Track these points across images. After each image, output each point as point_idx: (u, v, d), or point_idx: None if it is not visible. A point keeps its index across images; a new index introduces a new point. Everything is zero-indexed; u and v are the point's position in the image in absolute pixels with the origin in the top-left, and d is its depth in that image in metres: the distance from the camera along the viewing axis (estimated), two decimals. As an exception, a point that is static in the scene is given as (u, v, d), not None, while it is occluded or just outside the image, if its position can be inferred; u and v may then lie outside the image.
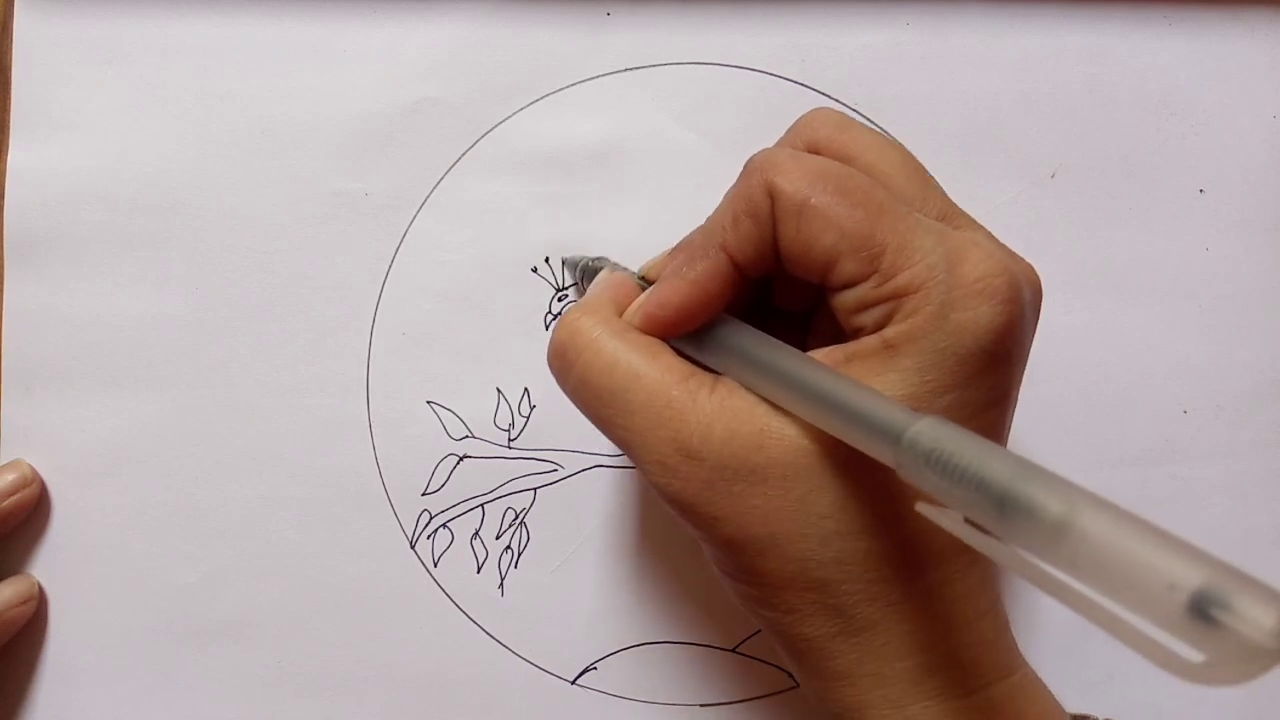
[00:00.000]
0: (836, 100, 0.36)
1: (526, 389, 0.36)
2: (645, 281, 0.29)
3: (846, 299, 0.25)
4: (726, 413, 0.25)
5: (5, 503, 0.35)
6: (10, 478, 0.35)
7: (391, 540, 0.36)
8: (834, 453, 0.24)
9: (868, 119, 0.36)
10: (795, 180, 0.25)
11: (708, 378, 0.26)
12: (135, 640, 0.36)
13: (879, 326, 0.24)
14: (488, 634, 0.36)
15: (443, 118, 0.36)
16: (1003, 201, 0.36)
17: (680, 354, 0.27)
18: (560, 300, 0.36)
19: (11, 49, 0.36)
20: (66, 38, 0.36)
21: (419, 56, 0.36)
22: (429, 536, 0.36)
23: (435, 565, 0.36)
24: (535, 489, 0.36)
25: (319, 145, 0.36)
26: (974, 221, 0.27)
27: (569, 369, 0.27)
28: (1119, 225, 0.36)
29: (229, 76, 0.36)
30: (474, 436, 0.36)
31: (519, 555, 0.36)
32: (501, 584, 0.36)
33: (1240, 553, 0.35)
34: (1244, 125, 0.36)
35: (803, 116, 0.28)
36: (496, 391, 0.36)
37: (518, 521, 0.36)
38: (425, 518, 0.36)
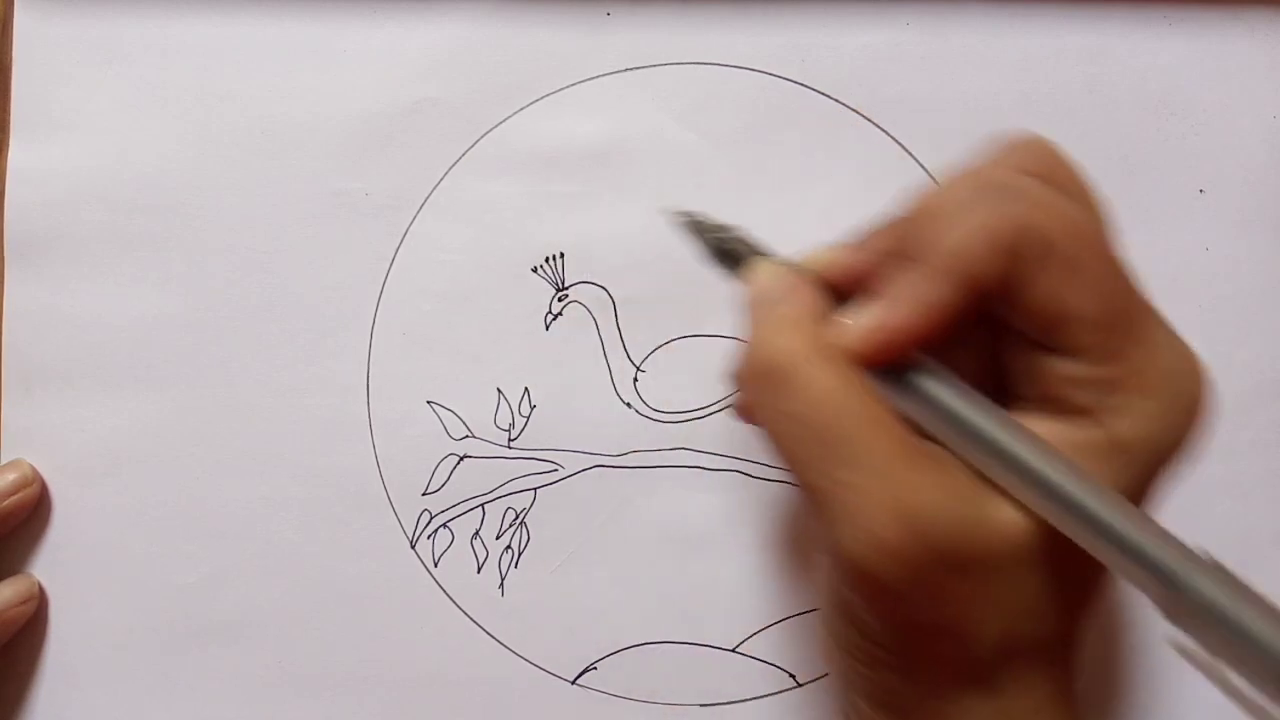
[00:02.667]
0: (837, 100, 0.36)
1: (526, 389, 0.36)
2: (820, 284, 0.26)
3: (1069, 368, 0.23)
4: (953, 494, 0.22)
5: (5, 503, 0.35)
6: (10, 478, 0.35)
7: (391, 540, 0.36)
8: (1049, 546, 0.22)
9: (868, 119, 0.36)
10: (1070, 230, 0.23)
11: (926, 445, 0.23)
12: (135, 640, 0.36)
13: (1091, 408, 0.23)
14: (488, 634, 0.36)
15: (443, 118, 0.36)
16: (1003, 201, 0.36)
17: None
18: (560, 300, 0.36)
19: (11, 49, 0.36)
20: (66, 38, 0.36)
21: (419, 56, 0.36)
22: (429, 536, 0.36)
23: (435, 565, 0.36)
24: (535, 489, 0.36)
25: (319, 145, 0.36)
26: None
27: (775, 397, 0.23)
28: (1118, 225, 0.36)
29: (229, 76, 0.36)
30: (474, 436, 0.36)
31: (519, 555, 0.36)
32: (501, 584, 0.36)
33: (1240, 553, 0.35)
34: (1244, 125, 0.36)
35: (1025, 140, 0.25)
36: (496, 391, 0.36)
37: (518, 521, 0.36)
38: (425, 518, 0.36)
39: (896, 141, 0.36)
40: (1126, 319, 0.23)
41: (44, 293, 0.36)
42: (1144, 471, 0.23)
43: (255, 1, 0.36)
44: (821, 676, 0.36)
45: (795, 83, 0.36)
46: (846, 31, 0.36)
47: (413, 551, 0.36)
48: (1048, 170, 0.25)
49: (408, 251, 0.36)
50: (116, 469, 0.36)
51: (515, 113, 0.36)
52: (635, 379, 0.36)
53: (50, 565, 0.36)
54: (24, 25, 0.36)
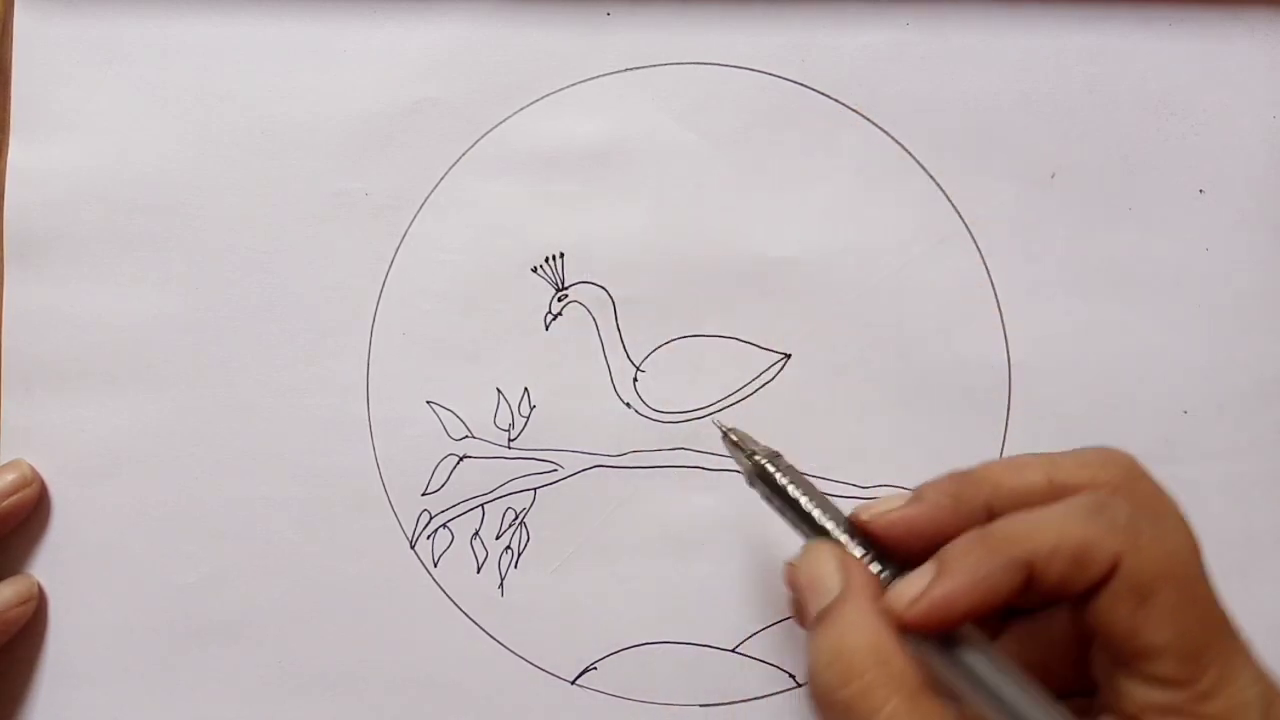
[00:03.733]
0: (837, 100, 0.36)
1: (526, 389, 0.36)
2: (870, 546, 0.26)
3: (1149, 696, 0.23)
4: None
5: (5, 503, 0.35)
6: (10, 478, 0.35)
7: (391, 540, 0.36)
8: None
9: (868, 119, 0.36)
10: (1150, 564, 0.23)
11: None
12: (135, 640, 0.36)
13: None
14: (488, 634, 0.36)
15: (443, 118, 0.36)
16: (1003, 201, 0.36)
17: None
18: (560, 300, 0.36)
19: (11, 49, 0.36)
20: (66, 38, 0.36)
21: (419, 56, 0.36)
22: (429, 536, 0.36)
23: (435, 565, 0.36)
24: (535, 489, 0.36)
25: (319, 145, 0.36)
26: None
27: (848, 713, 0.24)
28: (1119, 225, 0.36)
29: (229, 76, 0.36)
30: (474, 436, 0.36)
31: (519, 555, 0.36)
32: (501, 584, 0.36)
33: (1240, 553, 0.35)
34: (1244, 125, 0.36)
35: (1111, 454, 0.26)
36: (496, 391, 0.36)
37: (518, 521, 0.36)
38: (425, 518, 0.36)
39: (896, 141, 0.36)
40: (1205, 652, 0.23)
41: (44, 293, 0.36)
42: None
43: (255, 1, 0.36)
44: (821, 676, 0.36)
45: (795, 83, 0.36)
46: (846, 31, 0.36)
47: (412, 552, 0.36)
48: (1131, 489, 0.25)
49: (408, 251, 0.36)
50: (116, 469, 0.36)
51: (515, 113, 0.36)
52: (635, 379, 0.36)
53: (50, 565, 0.36)
54: (24, 25, 0.36)
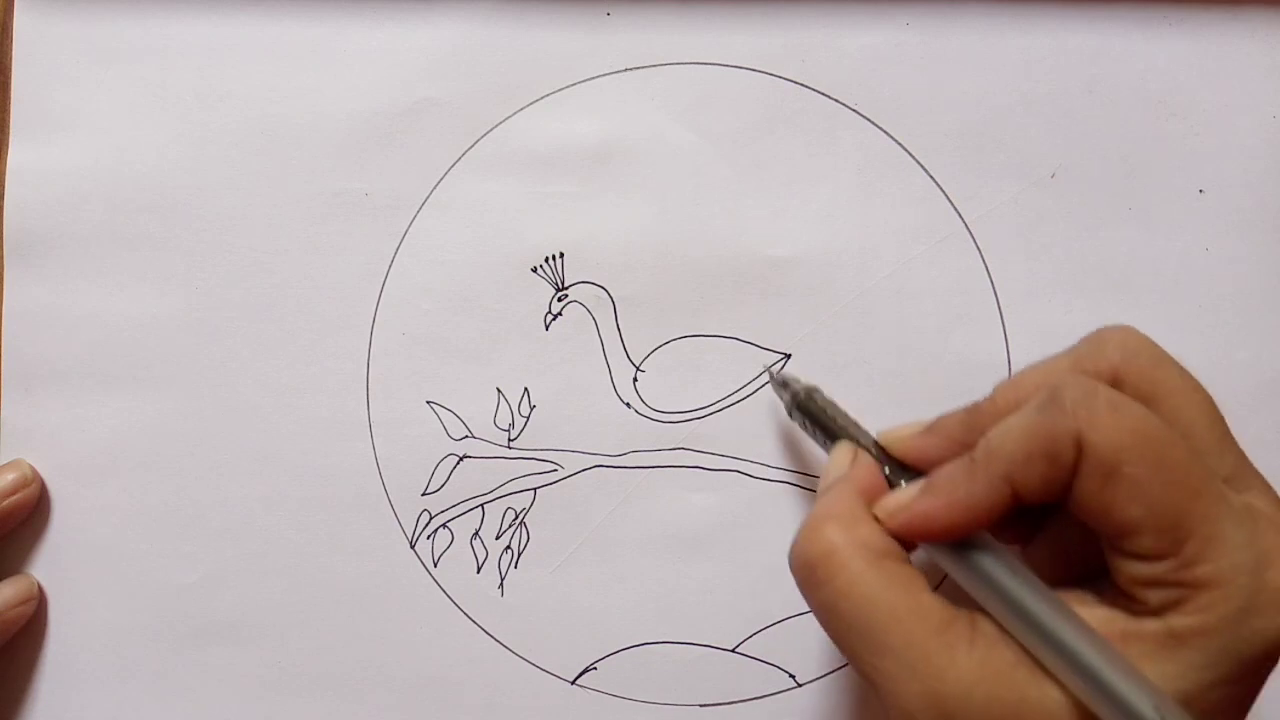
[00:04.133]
0: (836, 100, 0.36)
1: (526, 389, 0.36)
2: (889, 460, 0.28)
3: (1135, 570, 0.24)
4: (988, 676, 0.24)
5: (5, 503, 0.35)
6: (10, 477, 0.35)
7: (391, 540, 0.36)
8: None
9: (868, 119, 0.36)
10: (1112, 439, 0.23)
11: (966, 626, 0.25)
12: (135, 640, 0.36)
13: (1163, 607, 0.23)
14: (488, 634, 0.36)
15: (443, 118, 0.36)
16: (1003, 201, 0.36)
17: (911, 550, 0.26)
18: (560, 300, 0.36)
19: (11, 49, 0.36)
20: (66, 38, 0.36)
21: (419, 56, 0.36)
22: (429, 536, 0.36)
23: (435, 565, 0.36)
24: (535, 489, 0.36)
25: (319, 145, 0.36)
26: (1264, 483, 0.26)
27: (817, 587, 0.26)
28: (1119, 225, 0.36)
29: (229, 76, 0.36)
30: (474, 436, 0.36)
31: (519, 555, 0.36)
32: (501, 584, 0.36)
33: (1240, 553, 0.35)
34: (1244, 125, 0.36)
35: (1110, 331, 0.27)
36: (496, 391, 0.36)
37: (518, 521, 0.36)
38: (425, 518, 0.36)
39: (896, 141, 0.36)
40: (1183, 521, 0.23)
41: (44, 293, 0.36)
42: (1214, 661, 0.23)
43: (255, 1, 0.36)
44: (821, 676, 0.36)
45: (795, 83, 0.36)
46: (846, 31, 0.36)
47: (412, 552, 0.36)
48: (1122, 368, 0.26)
49: (408, 251, 0.36)
50: (116, 469, 0.36)
51: (515, 113, 0.36)
52: (635, 379, 0.36)
53: (50, 565, 0.36)
54: (24, 25, 0.36)
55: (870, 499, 0.27)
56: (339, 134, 0.36)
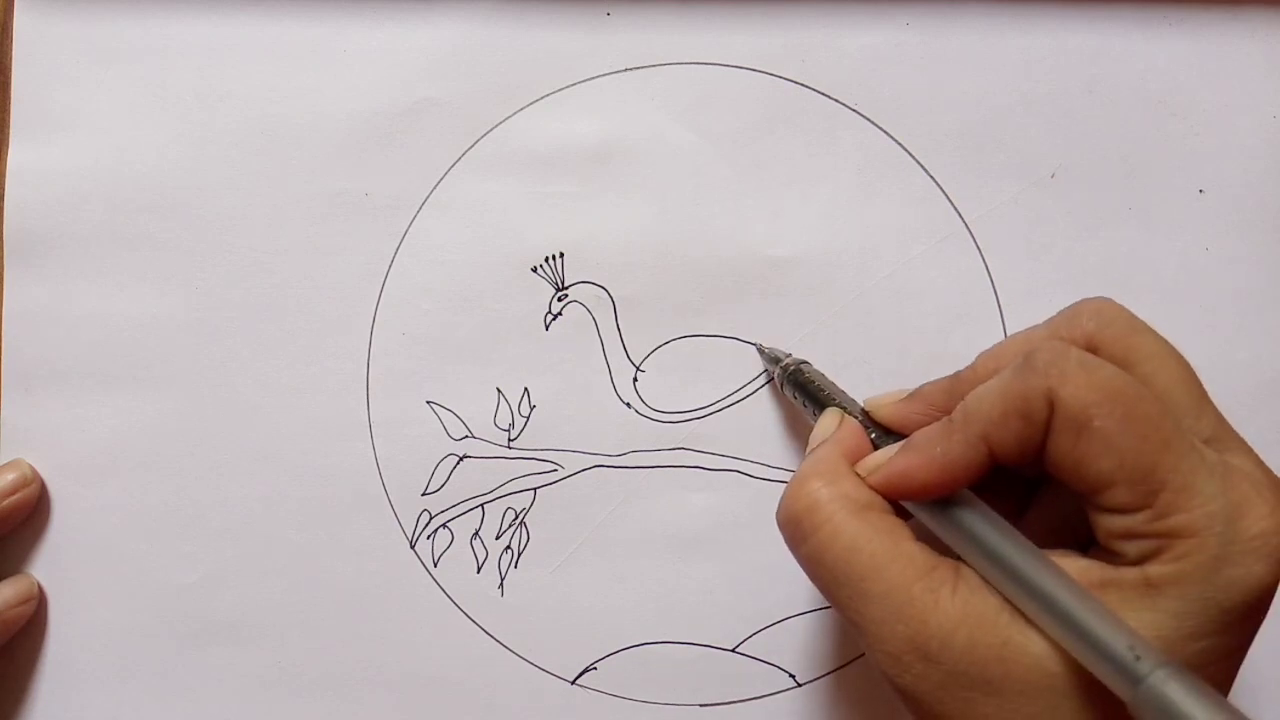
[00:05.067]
0: (836, 100, 0.36)
1: (526, 389, 0.36)
2: (874, 425, 0.29)
3: (1112, 523, 0.24)
4: (970, 619, 0.24)
5: (5, 503, 0.35)
6: (10, 477, 0.35)
7: (391, 540, 0.36)
8: (1074, 677, 0.23)
9: (868, 119, 0.36)
10: (1081, 395, 0.24)
11: (949, 572, 0.25)
12: (135, 640, 0.36)
13: (1141, 558, 0.24)
14: (488, 634, 0.36)
15: (443, 118, 0.36)
16: (1003, 201, 0.36)
17: (906, 513, 0.26)
18: (560, 300, 0.36)
19: (11, 49, 0.36)
20: (66, 38, 0.36)
21: (419, 56, 0.36)
22: (429, 536, 0.36)
23: (435, 565, 0.36)
24: (535, 489, 0.36)
25: (319, 145, 0.36)
26: (1245, 445, 0.26)
27: (802, 540, 0.26)
28: (1119, 225, 0.36)
29: (229, 76, 0.36)
30: (474, 436, 0.36)
31: (519, 555, 0.36)
32: (501, 584, 0.36)
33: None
34: (1244, 125, 0.36)
35: (1086, 302, 0.27)
36: (496, 391, 0.36)
37: (518, 521, 0.36)
38: (425, 518, 0.36)
39: (896, 141, 0.36)
40: (1154, 473, 0.23)
41: (44, 293, 0.36)
42: (1192, 610, 0.23)
43: (255, 1, 0.36)
44: (821, 676, 0.36)
45: (795, 83, 0.36)
46: (846, 31, 0.36)
47: (412, 552, 0.36)
48: (1097, 335, 0.26)
49: (408, 251, 0.36)
50: (116, 469, 0.36)
51: (515, 113, 0.36)
52: (635, 379, 0.36)
53: (50, 565, 0.36)
54: (24, 25, 0.36)
55: (854, 460, 0.28)
56: (339, 134, 0.36)
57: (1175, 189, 0.36)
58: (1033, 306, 0.36)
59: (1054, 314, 0.27)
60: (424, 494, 0.36)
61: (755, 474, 0.36)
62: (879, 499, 0.27)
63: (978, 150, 0.36)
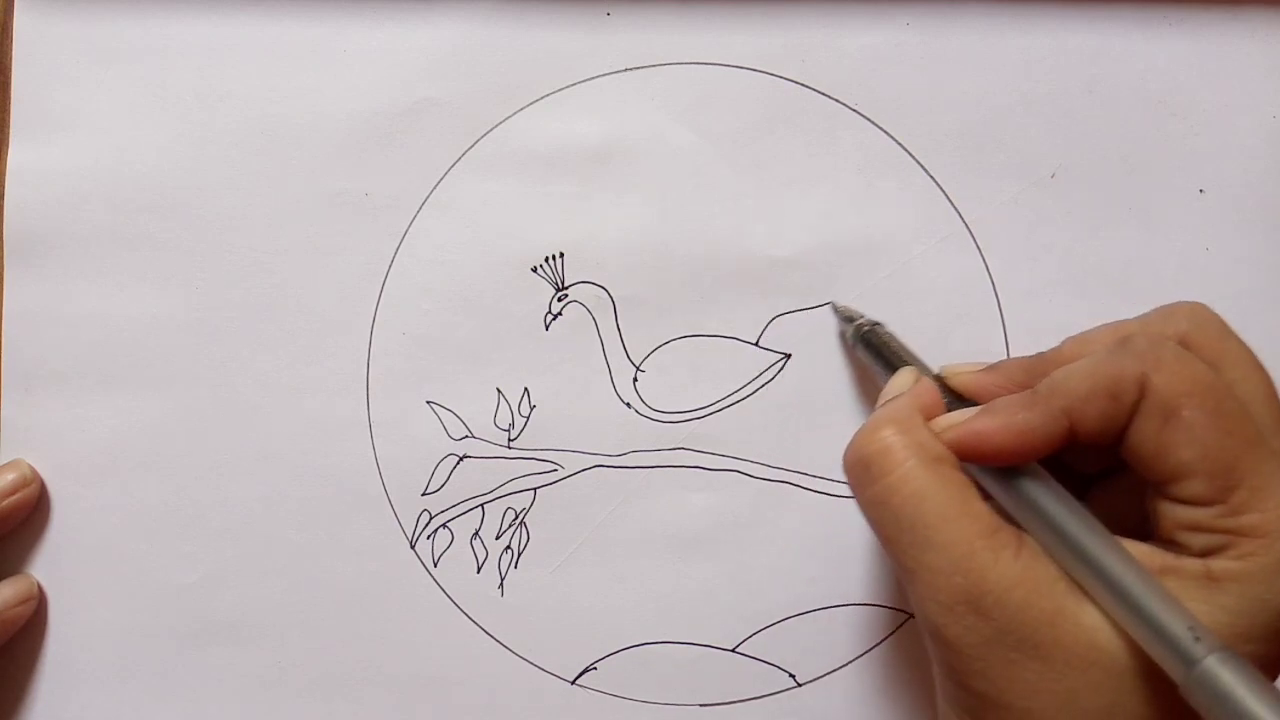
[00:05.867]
0: (836, 100, 0.36)
1: (526, 389, 0.36)
2: (947, 391, 0.29)
3: (1180, 514, 0.24)
4: (1028, 582, 0.24)
5: (5, 503, 0.35)
6: (10, 477, 0.35)
7: (391, 540, 0.36)
8: (1123, 654, 0.24)
9: (868, 119, 0.36)
10: (1174, 384, 0.24)
11: (1012, 535, 0.25)
12: (135, 640, 0.36)
13: (1205, 552, 0.24)
14: (488, 634, 0.36)
15: (443, 118, 0.36)
16: (1003, 201, 0.36)
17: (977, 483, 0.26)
18: (560, 300, 0.36)
19: (11, 49, 0.36)
20: (66, 38, 0.36)
21: (419, 56, 0.36)
22: (429, 536, 0.36)
23: (435, 565, 0.36)
24: (535, 489, 0.36)
25: (319, 145, 0.36)
26: None
27: (871, 483, 0.27)
28: (1119, 225, 0.36)
29: (229, 76, 0.36)
30: (474, 436, 0.36)
31: (519, 555, 0.36)
32: (501, 584, 0.36)
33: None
34: (1244, 125, 0.36)
35: (1182, 304, 0.27)
36: (496, 391, 0.36)
37: (518, 521, 0.36)
38: (425, 518, 0.36)
39: (896, 141, 0.36)
40: (1235, 469, 0.23)
41: (44, 293, 0.36)
42: (1249, 609, 0.23)
43: (256, 1, 0.36)
44: (821, 676, 0.36)
45: (795, 83, 0.36)
46: (846, 31, 0.36)
47: (412, 552, 0.36)
48: (1190, 336, 0.27)
49: (408, 251, 0.36)
50: (116, 469, 0.36)
51: (515, 113, 0.36)
52: (635, 379, 0.36)
53: (50, 565, 0.36)
54: (24, 25, 0.36)
55: (928, 418, 0.28)
56: (339, 134, 0.36)
57: (1175, 189, 0.36)
58: (1033, 306, 0.36)
59: (1145, 312, 0.28)
60: (424, 494, 0.36)
61: (755, 474, 0.36)
62: (951, 455, 0.27)
63: (978, 150, 0.36)
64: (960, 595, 0.24)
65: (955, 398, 0.29)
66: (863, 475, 0.27)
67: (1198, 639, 0.22)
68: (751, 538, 0.36)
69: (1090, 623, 0.24)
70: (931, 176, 0.36)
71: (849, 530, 0.36)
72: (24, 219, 0.36)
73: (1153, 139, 0.36)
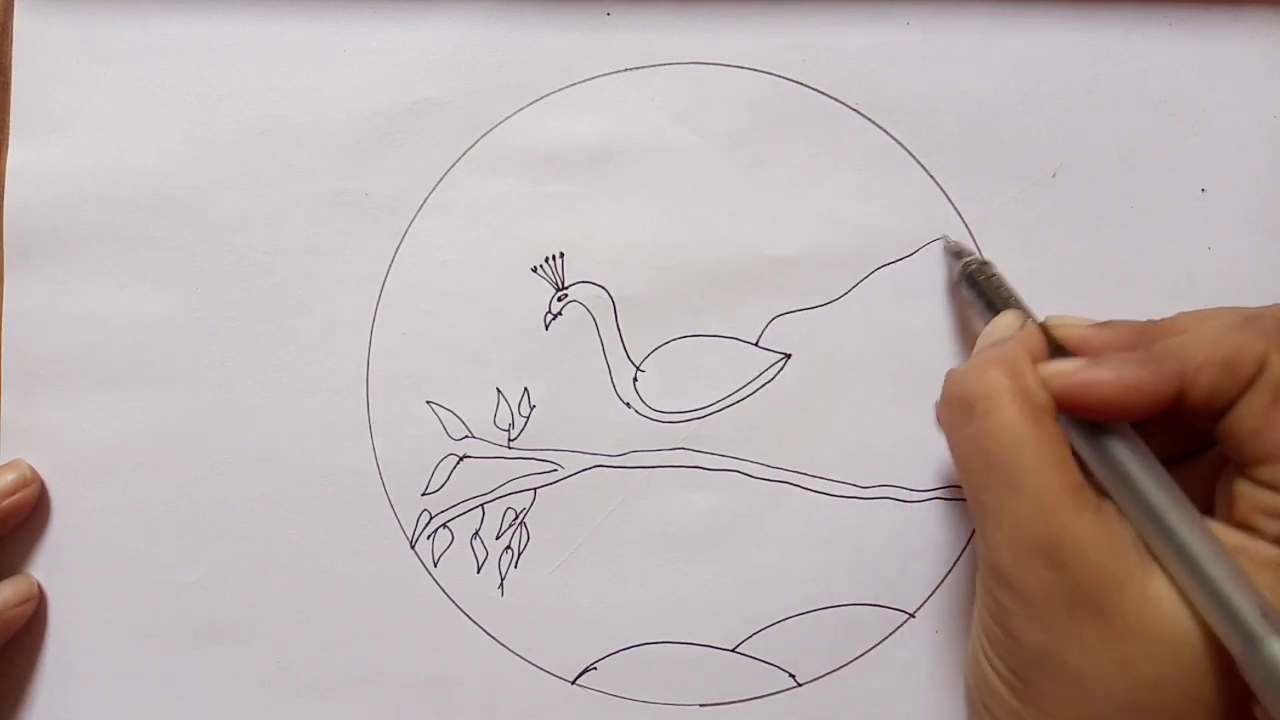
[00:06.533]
0: (837, 100, 0.36)
1: (526, 389, 0.36)
2: (1052, 342, 0.29)
3: (1261, 498, 0.24)
4: (1105, 544, 0.24)
5: (5, 503, 0.35)
6: (10, 478, 0.35)
7: (391, 540, 0.36)
8: (1186, 626, 0.24)
9: (868, 119, 0.36)
10: None
11: (1095, 497, 0.26)
12: (135, 640, 0.36)
13: (1273, 537, 0.24)
14: (488, 634, 0.36)
15: (443, 118, 0.36)
16: (1003, 201, 0.36)
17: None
18: (560, 300, 0.36)
19: (11, 49, 0.36)
20: (66, 38, 0.36)
21: (419, 56, 0.36)
22: (429, 536, 0.36)
23: (435, 565, 0.36)
24: (535, 489, 0.36)
25: (319, 145, 0.36)
26: None
27: (968, 421, 0.27)
28: (1120, 225, 0.36)
29: (229, 76, 0.36)
30: (474, 436, 0.36)
31: (519, 555, 0.36)
32: (501, 584, 0.36)
33: (1241, 553, 0.35)
34: (1245, 125, 0.36)
35: None
36: (496, 391, 0.36)
37: (518, 521, 0.36)
38: (425, 518, 0.36)
39: (897, 141, 0.36)
40: None
41: (44, 293, 0.36)
42: None
43: (256, 1, 0.36)
44: (821, 676, 0.36)
45: (795, 83, 0.36)
46: (846, 31, 0.36)
47: (412, 552, 0.36)
48: None
49: (408, 251, 0.36)
50: (116, 469, 0.36)
51: (515, 113, 0.36)
52: (635, 379, 0.36)
53: (50, 565, 0.36)
54: (24, 25, 0.36)
55: (1034, 362, 0.28)
56: (339, 134, 0.36)
57: (1176, 188, 0.36)
58: (1033, 306, 0.36)
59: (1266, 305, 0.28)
60: (424, 494, 0.36)
61: (755, 474, 0.36)
62: (1053, 407, 0.26)
63: (978, 150, 0.36)
64: (1040, 543, 0.25)
65: (1057, 348, 0.29)
66: (962, 413, 0.27)
67: (1264, 616, 0.22)
68: (751, 538, 0.36)
69: (1157, 593, 0.24)
70: (931, 176, 0.36)
71: (849, 530, 0.36)
72: (24, 219, 0.36)
73: (1153, 139, 0.36)
